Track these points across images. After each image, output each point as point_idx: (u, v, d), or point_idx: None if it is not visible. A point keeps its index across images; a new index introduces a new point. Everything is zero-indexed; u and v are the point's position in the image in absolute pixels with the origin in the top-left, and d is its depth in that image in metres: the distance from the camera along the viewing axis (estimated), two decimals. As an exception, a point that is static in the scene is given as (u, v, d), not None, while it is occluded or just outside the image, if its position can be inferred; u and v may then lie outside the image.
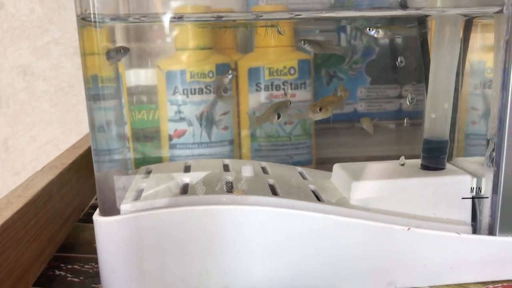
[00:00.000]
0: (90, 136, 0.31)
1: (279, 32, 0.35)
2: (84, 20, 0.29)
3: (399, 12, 0.35)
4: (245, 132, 0.49)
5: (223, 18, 0.36)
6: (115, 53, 0.33)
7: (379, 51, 0.55)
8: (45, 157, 0.77)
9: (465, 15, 0.35)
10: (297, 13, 0.34)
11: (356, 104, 0.56)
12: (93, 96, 0.30)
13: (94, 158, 0.31)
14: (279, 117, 0.35)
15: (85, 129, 0.76)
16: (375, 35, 0.33)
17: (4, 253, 0.28)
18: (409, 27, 0.36)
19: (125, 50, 0.34)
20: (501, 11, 0.30)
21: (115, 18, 0.32)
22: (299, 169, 0.40)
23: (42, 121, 0.76)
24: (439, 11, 0.34)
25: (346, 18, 0.46)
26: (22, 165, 0.77)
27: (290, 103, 0.36)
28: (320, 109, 0.31)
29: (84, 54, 0.30)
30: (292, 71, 0.47)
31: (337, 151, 0.53)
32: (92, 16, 0.29)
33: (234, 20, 0.41)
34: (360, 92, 0.57)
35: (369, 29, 0.34)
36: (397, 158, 0.37)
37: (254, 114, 0.46)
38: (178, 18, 0.36)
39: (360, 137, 0.52)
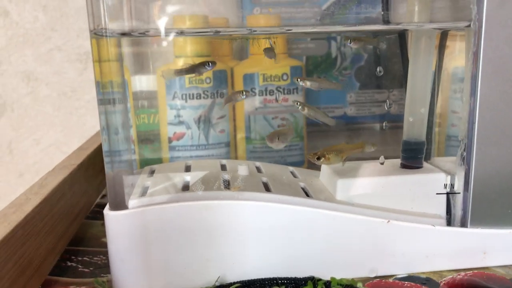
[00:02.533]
0: (101, 138, 0.34)
1: (271, 45, 0.38)
2: (96, 35, 0.32)
3: (382, 27, 0.39)
4: (240, 135, 0.52)
5: (220, 33, 0.39)
6: (202, 67, 0.37)
7: (367, 58, 0.58)
8: (48, 159, 0.80)
9: (439, 29, 0.38)
10: (287, 28, 0.38)
11: (346, 108, 0.59)
12: (106, 101, 0.33)
13: (106, 159, 0.34)
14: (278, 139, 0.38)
15: (87, 132, 0.79)
16: (353, 46, 0.37)
17: (27, 243, 0.31)
18: (382, 40, 0.40)
19: (212, 64, 0.38)
20: (469, 26, 0.34)
21: (123, 32, 0.35)
22: (291, 168, 0.44)
23: (45, 125, 0.80)
24: (417, 26, 0.38)
25: (335, 32, 0.49)
26: (26, 167, 0.80)
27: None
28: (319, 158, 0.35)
29: (98, 61, 0.33)
30: (285, 77, 0.50)
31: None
32: (103, 31, 0.32)
33: (230, 35, 0.44)
34: (349, 96, 0.60)
35: (349, 42, 0.37)
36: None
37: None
38: (178, 33, 0.39)
39: (349, 139, 0.55)
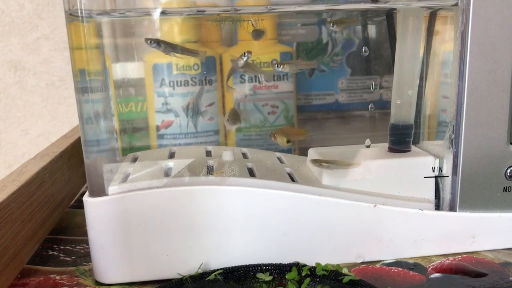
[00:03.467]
0: (80, 127, 0.33)
1: (253, 25, 0.37)
2: (72, 16, 0.31)
3: (370, 5, 0.38)
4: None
5: (205, 12, 0.38)
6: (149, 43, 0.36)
7: (359, 44, 0.57)
8: (37, 150, 0.79)
9: (428, 8, 0.37)
10: (272, 7, 0.37)
11: (337, 95, 0.58)
12: (82, 89, 0.32)
13: (83, 148, 0.33)
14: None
15: (76, 122, 0.78)
16: (336, 30, 0.36)
17: (1, 230, 0.30)
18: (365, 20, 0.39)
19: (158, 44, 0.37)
20: (456, 4, 0.33)
21: (102, 13, 0.34)
22: (278, 154, 0.43)
23: (34, 115, 0.78)
24: (405, 4, 0.37)
25: (319, 11, 0.48)
26: (15, 158, 0.79)
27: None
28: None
29: (72, 49, 0.32)
30: (274, 63, 0.49)
31: (318, 140, 0.55)
32: (79, 11, 0.31)
33: (218, 14, 0.43)
34: (341, 83, 0.59)
35: (332, 25, 0.37)
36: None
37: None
38: (161, 13, 0.38)
39: (340, 125, 0.54)
